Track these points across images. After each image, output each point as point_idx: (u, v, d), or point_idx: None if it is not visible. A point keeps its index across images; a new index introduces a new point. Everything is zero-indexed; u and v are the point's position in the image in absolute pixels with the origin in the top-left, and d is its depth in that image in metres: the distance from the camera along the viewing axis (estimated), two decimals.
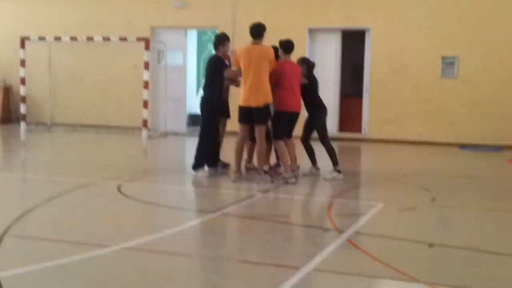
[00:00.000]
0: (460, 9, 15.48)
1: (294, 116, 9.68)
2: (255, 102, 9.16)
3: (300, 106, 9.71)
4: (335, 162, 9.99)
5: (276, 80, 9.45)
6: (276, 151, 10.16)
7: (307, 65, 10.13)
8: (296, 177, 9.55)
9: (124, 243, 5.73)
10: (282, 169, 9.72)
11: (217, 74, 9.64)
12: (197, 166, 9.81)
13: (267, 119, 9.49)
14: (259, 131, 9.34)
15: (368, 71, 16.33)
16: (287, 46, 9.75)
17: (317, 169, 10.25)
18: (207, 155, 9.80)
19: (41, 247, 5.72)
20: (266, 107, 9.31)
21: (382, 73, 16.10)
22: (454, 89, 15.59)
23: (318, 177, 10.04)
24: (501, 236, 6.65)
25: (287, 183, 9.29)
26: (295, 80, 9.63)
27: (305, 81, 9.89)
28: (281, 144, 9.52)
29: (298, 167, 10.05)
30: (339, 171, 9.95)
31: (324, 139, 10.07)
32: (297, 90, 9.66)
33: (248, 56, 9.18)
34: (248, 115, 9.31)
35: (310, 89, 10.01)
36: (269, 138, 9.76)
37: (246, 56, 9.20)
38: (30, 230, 6.33)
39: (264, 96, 9.18)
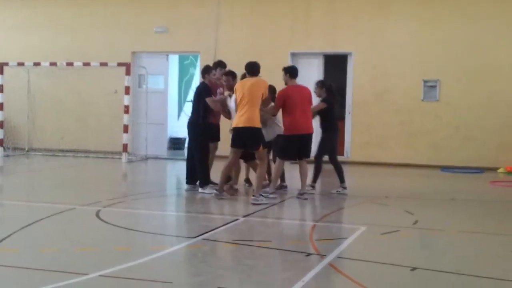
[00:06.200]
0: (441, 33, 15.63)
1: (304, 138, 9.92)
2: (244, 123, 9.54)
3: (309, 128, 9.98)
4: (342, 179, 10.68)
5: (283, 104, 9.80)
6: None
7: (326, 88, 10.63)
8: (304, 197, 10.07)
9: (103, 271, 5.62)
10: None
11: (201, 101, 10.36)
12: (192, 181, 10.74)
13: (259, 143, 9.70)
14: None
15: (351, 95, 16.38)
16: (292, 71, 10.15)
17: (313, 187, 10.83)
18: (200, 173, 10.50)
19: (18, 276, 5.61)
20: (258, 130, 9.64)
21: (365, 97, 16.16)
22: (435, 112, 15.68)
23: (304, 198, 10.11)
24: (483, 259, 6.62)
25: (267, 197, 9.79)
26: (303, 103, 9.91)
27: (323, 106, 10.45)
28: (281, 164, 10.07)
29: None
30: (344, 187, 10.67)
31: (334, 159, 10.77)
32: (307, 112, 9.96)
33: (242, 87, 9.67)
34: (242, 139, 9.65)
35: (326, 112, 10.50)
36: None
37: (240, 87, 9.70)
38: (7, 258, 6.19)
39: (252, 121, 9.52)
